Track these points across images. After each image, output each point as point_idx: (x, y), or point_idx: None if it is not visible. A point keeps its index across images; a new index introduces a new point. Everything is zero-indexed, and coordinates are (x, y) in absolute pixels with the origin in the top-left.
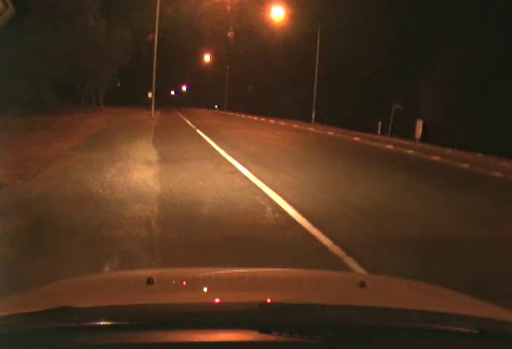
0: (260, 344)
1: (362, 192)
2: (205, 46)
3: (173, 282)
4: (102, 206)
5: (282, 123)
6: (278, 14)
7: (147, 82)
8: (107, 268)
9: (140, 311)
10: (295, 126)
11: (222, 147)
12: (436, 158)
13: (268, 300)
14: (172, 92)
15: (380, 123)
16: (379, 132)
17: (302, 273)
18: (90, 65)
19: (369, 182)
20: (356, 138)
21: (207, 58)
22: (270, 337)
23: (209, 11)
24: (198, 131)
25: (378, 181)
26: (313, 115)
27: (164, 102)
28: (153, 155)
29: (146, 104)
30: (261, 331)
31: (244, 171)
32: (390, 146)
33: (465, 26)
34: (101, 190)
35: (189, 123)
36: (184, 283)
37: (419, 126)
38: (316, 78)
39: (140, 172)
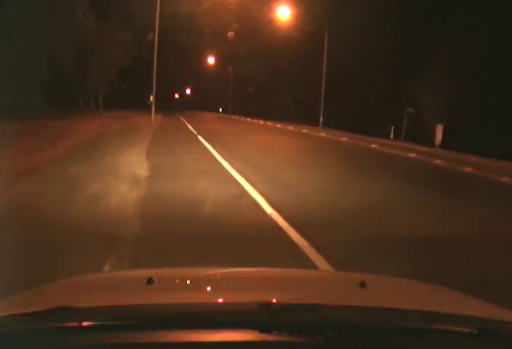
0: (260, 344)
1: (401, 222)
2: (209, 48)
3: (173, 282)
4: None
5: (290, 127)
6: (284, 15)
7: (150, 85)
8: None
9: (140, 311)
10: (304, 131)
11: (226, 159)
12: (468, 169)
13: (268, 300)
14: (176, 95)
15: (392, 128)
16: (391, 137)
17: (302, 273)
18: (85, 65)
19: (407, 206)
20: (373, 145)
21: (211, 61)
22: (270, 337)
23: (213, 13)
24: (200, 137)
25: (420, 207)
26: (321, 119)
27: (167, 106)
28: (143, 169)
29: (149, 107)
30: (261, 331)
31: (254, 195)
32: (413, 154)
33: (479, 23)
34: (54, 232)
35: (191, 128)
36: (184, 283)
37: (439, 131)
38: (323, 80)
39: (120, 197)
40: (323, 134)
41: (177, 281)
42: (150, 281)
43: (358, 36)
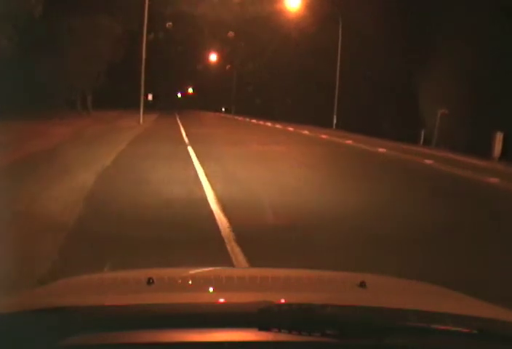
0: (260, 344)
1: None
2: (213, 47)
3: (173, 282)
4: None
5: (305, 131)
6: (293, 5)
7: (149, 83)
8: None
9: (140, 311)
10: (324, 136)
11: (224, 205)
12: None
13: (268, 300)
14: (179, 94)
15: (422, 132)
16: (421, 143)
17: (302, 272)
18: (60, 56)
19: None
20: (427, 161)
21: (214, 59)
22: (270, 337)
23: (216, 10)
24: (191, 150)
25: None
26: (335, 121)
27: (168, 105)
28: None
29: (147, 106)
30: (261, 331)
31: None
32: (494, 179)
33: None
34: None
35: (183, 133)
36: (184, 283)
37: (498, 141)
38: (337, 77)
39: None
40: (349, 142)
41: (177, 281)
42: (150, 281)
43: (373, 26)
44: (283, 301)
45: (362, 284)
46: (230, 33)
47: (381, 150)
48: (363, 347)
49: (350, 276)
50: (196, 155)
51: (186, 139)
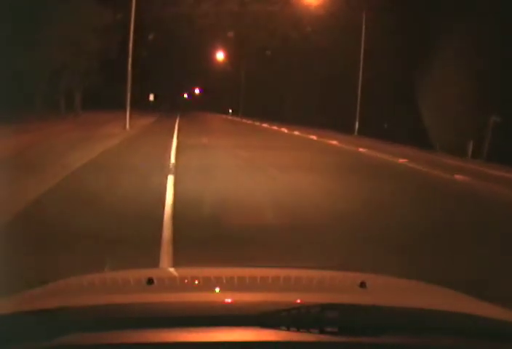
0: (260, 343)
1: None
2: (220, 46)
3: (173, 282)
4: None
5: (333, 141)
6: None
7: (152, 83)
8: None
9: (140, 311)
10: (362, 150)
11: None
12: None
13: (269, 300)
14: (185, 95)
15: (471, 144)
16: (469, 156)
17: (302, 272)
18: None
19: None
20: None
21: (221, 58)
22: (270, 337)
23: (223, 7)
24: (170, 188)
25: None
26: (357, 125)
27: (172, 106)
28: None
29: (148, 107)
30: (261, 330)
31: None
32: None
33: None
34: None
35: (173, 147)
36: (184, 283)
37: None
38: (360, 76)
39: None
40: (404, 162)
41: (177, 281)
42: (150, 281)
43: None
44: (283, 301)
45: (362, 284)
46: (230, 34)
47: (458, 177)
48: (363, 347)
49: (350, 276)
50: (174, 201)
51: (172, 159)
